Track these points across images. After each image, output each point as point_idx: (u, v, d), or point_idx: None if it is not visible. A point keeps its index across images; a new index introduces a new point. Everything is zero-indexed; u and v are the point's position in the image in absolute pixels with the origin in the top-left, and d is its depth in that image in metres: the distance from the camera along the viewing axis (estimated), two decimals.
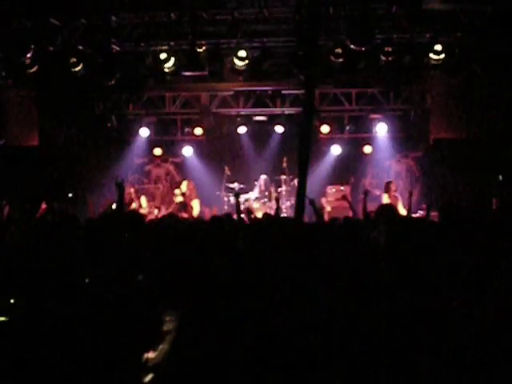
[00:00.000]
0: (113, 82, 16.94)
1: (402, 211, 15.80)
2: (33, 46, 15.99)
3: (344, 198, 13.79)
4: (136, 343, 2.76)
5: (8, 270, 5.11)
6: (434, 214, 16.48)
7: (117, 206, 7.85)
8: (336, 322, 2.81)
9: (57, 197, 17.54)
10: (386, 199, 17.28)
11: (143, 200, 19.21)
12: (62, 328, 2.53)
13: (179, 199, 18.86)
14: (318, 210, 9.77)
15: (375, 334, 2.93)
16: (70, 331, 2.49)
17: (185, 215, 17.45)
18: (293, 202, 18.47)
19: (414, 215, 17.35)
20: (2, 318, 3.35)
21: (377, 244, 5.07)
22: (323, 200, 19.16)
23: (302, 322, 2.79)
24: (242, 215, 11.06)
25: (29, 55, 16.08)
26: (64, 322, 2.55)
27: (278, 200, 13.83)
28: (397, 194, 17.63)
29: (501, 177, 15.56)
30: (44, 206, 15.51)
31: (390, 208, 7.29)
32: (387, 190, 17.78)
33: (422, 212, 17.02)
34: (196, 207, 18.89)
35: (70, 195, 18.69)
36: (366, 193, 11.16)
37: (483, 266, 3.94)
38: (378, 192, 18.93)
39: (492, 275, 3.77)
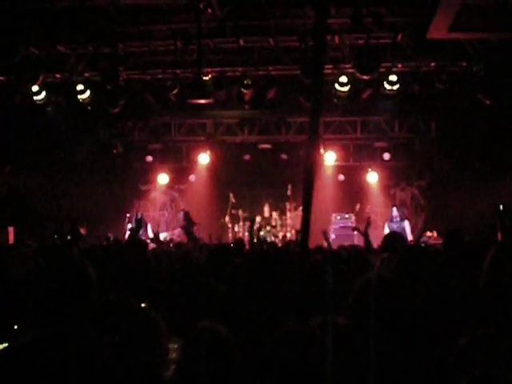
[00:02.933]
0: (119, 109, 17.04)
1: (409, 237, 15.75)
2: (40, 73, 16.12)
3: (357, 229, 13.67)
4: (141, 372, 2.74)
5: (12, 294, 5.09)
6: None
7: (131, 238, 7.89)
8: (341, 348, 2.79)
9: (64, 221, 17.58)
10: (386, 227, 17.15)
11: (149, 228, 19.26)
12: (65, 355, 2.52)
13: None
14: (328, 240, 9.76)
15: (379, 361, 2.91)
16: (73, 358, 2.48)
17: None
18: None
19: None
20: (6, 345, 3.33)
21: (383, 273, 5.05)
22: (329, 227, 19.16)
23: (306, 348, 2.77)
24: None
25: (36, 82, 16.20)
26: (67, 348, 2.54)
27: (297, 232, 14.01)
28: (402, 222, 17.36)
29: (501, 206, 15.53)
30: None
31: (398, 236, 7.24)
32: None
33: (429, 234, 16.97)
34: None
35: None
36: (369, 222, 11.02)
37: (487, 293, 3.94)
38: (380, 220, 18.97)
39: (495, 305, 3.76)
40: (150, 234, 19.14)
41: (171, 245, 14.43)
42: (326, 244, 9.73)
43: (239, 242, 11.74)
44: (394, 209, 17.55)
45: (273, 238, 18.99)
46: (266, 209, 19.79)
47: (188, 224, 18.19)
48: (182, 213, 19.16)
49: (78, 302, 3.59)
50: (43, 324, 3.59)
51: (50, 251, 8.44)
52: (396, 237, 6.97)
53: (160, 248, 12.20)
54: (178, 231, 19.53)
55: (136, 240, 7.97)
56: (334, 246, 14.21)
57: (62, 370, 2.46)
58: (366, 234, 9.12)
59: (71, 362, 2.46)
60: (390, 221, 17.34)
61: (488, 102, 15.60)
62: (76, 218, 16.27)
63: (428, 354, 2.95)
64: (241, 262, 6.33)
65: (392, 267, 4.97)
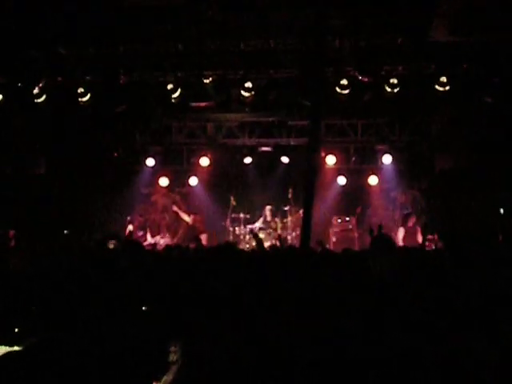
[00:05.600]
0: (119, 112, 17.05)
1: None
2: (41, 76, 16.15)
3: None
4: (141, 374, 2.74)
5: (12, 298, 5.09)
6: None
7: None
8: (338, 349, 2.79)
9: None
10: (401, 232, 17.29)
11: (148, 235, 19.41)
12: (67, 358, 2.52)
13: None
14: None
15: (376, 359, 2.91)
16: (75, 361, 2.48)
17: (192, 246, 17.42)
18: (298, 232, 18.42)
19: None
20: (6, 348, 3.33)
21: (379, 276, 5.05)
22: (330, 231, 19.16)
23: (305, 350, 2.77)
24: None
25: (38, 84, 16.22)
26: (68, 351, 2.54)
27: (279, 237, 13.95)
28: (416, 227, 17.51)
29: (502, 210, 15.53)
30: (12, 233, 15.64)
31: (386, 238, 7.21)
32: (404, 222, 17.74)
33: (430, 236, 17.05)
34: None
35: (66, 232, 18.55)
36: (372, 230, 10.99)
37: (486, 295, 3.94)
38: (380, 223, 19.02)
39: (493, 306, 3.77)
40: (149, 239, 19.17)
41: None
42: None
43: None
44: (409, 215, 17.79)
45: (273, 241, 18.97)
46: (268, 212, 19.76)
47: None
48: (192, 216, 19.27)
49: (81, 304, 3.60)
50: (46, 327, 3.59)
51: (54, 255, 8.46)
52: (384, 239, 6.94)
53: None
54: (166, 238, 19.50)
55: (131, 241, 7.98)
56: (335, 249, 14.24)
57: (65, 373, 2.46)
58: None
59: (74, 364, 2.46)
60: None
61: (490, 100, 15.56)
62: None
63: (432, 356, 2.95)
64: (241, 263, 6.32)
65: (391, 269, 4.97)
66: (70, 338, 2.60)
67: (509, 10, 11.52)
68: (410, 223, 17.50)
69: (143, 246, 8.21)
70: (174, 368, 2.83)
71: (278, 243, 17.89)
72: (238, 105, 17.57)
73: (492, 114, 16.52)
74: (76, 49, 16.24)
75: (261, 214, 19.91)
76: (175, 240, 19.58)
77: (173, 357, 2.87)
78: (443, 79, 15.70)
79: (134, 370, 2.73)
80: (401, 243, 17.60)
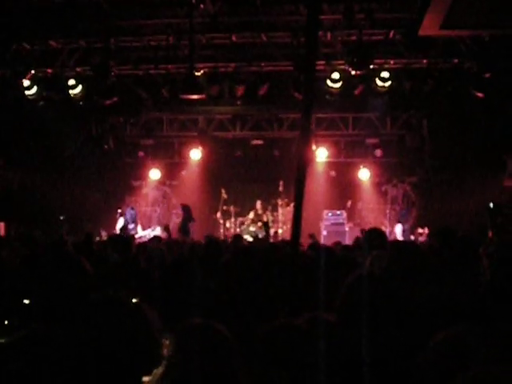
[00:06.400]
0: (110, 105, 17.00)
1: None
2: (32, 68, 16.07)
3: None
4: (133, 368, 2.75)
5: (3, 290, 5.08)
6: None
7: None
8: (331, 347, 2.81)
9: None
10: (399, 227, 17.79)
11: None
12: (56, 351, 2.52)
13: None
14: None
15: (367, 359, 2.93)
16: (65, 355, 2.48)
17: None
18: (289, 226, 18.42)
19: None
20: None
21: (371, 271, 5.06)
22: (321, 224, 19.18)
23: (297, 344, 2.78)
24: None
25: (28, 77, 16.14)
26: (58, 345, 2.54)
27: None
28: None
29: (491, 204, 15.58)
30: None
31: (379, 232, 7.21)
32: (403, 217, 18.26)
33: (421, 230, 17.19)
34: None
35: (62, 217, 18.45)
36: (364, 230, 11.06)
37: (480, 289, 3.96)
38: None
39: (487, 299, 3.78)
40: (140, 231, 19.15)
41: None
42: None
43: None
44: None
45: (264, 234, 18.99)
46: (259, 205, 19.76)
47: (186, 218, 18.24)
48: (180, 206, 19.19)
49: (76, 297, 3.60)
50: (38, 319, 3.58)
51: (46, 247, 8.43)
52: (377, 233, 6.94)
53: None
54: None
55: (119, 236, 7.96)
56: (326, 243, 14.26)
57: (56, 366, 2.46)
58: None
59: (66, 357, 2.46)
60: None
61: (481, 96, 15.60)
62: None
63: (418, 351, 2.96)
64: (229, 258, 6.33)
65: (383, 264, 4.98)
66: (59, 330, 2.60)
67: (500, 6, 11.52)
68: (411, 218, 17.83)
69: (134, 241, 8.20)
70: (164, 362, 2.84)
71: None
72: (230, 98, 17.56)
73: (483, 109, 16.55)
74: (67, 41, 16.18)
75: (252, 207, 19.89)
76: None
77: (166, 350, 2.88)
78: (434, 73, 15.74)
79: (125, 364, 2.73)
80: (400, 238, 17.78)
